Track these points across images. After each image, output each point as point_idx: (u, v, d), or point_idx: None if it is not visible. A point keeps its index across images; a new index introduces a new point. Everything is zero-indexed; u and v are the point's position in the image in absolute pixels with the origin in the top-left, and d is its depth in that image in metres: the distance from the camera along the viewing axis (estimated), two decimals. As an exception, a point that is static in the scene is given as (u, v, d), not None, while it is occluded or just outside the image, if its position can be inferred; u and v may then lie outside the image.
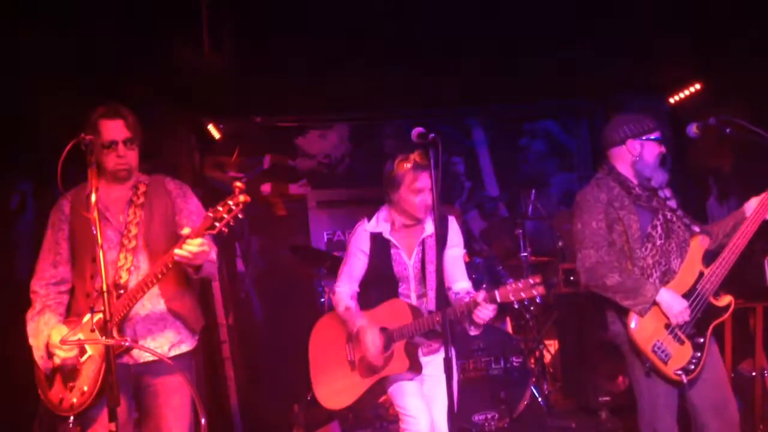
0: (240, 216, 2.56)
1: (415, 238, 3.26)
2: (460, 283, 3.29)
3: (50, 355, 2.76)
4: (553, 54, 5.04)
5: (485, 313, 2.94)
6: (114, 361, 2.46)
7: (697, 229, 3.16)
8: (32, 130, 3.90)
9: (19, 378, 3.01)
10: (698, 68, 5.34)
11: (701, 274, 3.06)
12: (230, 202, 2.55)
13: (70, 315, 2.87)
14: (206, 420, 2.51)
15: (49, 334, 2.77)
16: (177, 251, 2.62)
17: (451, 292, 3.30)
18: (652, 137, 3.16)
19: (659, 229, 3.09)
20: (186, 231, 2.64)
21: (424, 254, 3.24)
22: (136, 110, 2.94)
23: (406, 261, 3.23)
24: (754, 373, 4.10)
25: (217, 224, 2.56)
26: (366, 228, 3.29)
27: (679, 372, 2.97)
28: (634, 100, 6.00)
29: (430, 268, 3.22)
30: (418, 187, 3.12)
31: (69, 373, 2.77)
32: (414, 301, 3.22)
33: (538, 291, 2.87)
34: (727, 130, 3.07)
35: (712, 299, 3.06)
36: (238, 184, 2.55)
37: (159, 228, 2.92)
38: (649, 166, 3.14)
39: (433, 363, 3.23)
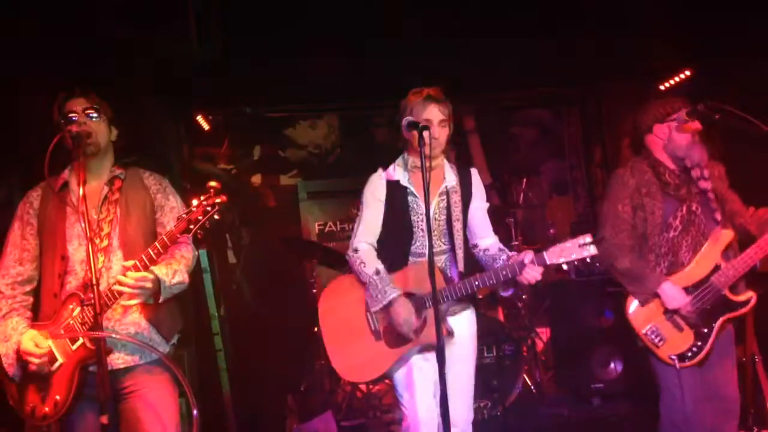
0: (216, 217, 2.45)
1: (435, 186, 2.99)
2: (487, 239, 3.07)
3: (22, 362, 2.61)
4: (544, 42, 5.03)
5: (532, 274, 2.76)
6: (104, 354, 2.41)
7: (719, 217, 3.11)
8: (19, 123, 3.86)
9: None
10: (688, 55, 5.34)
11: (717, 267, 3.07)
12: (205, 203, 2.44)
13: (38, 318, 2.72)
14: (198, 412, 2.48)
15: (19, 340, 2.61)
16: (120, 278, 2.52)
17: (478, 249, 3.08)
18: (677, 117, 3.13)
19: (678, 221, 3.10)
20: (129, 263, 2.54)
21: (450, 206, 2.99)
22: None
23: (424, 211, 2.92)
24: (744, 359, 4.12)
25: (192, 227, 2.45)
26: (381, 175, 3.06)
27: (674, 357, 3.01)
28: (624, 88, 6.00)
29: (458, 226, 2.98)
30: (425, 118, 2.90)
31: (41, 382, 2.62)
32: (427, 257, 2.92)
33: (589, 252, 2.71)
34: (717, 116, 3.06)
35: (727, 293, 3.06)
36: (212, 184, 2.45)
37: (136, 226, 2.75)
38: (681, 147, 3.12)
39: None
